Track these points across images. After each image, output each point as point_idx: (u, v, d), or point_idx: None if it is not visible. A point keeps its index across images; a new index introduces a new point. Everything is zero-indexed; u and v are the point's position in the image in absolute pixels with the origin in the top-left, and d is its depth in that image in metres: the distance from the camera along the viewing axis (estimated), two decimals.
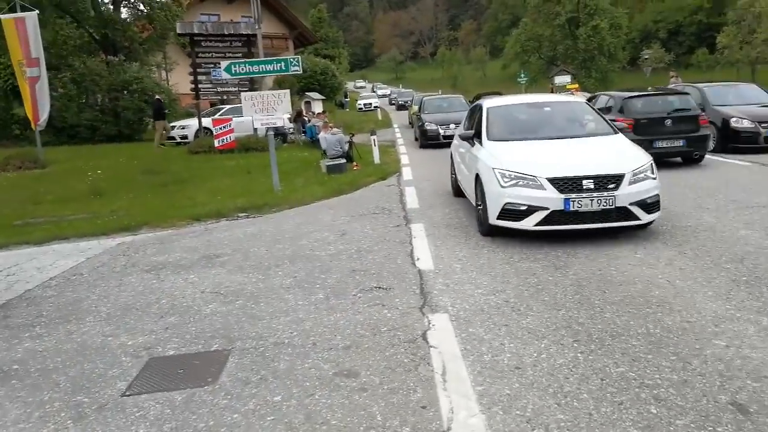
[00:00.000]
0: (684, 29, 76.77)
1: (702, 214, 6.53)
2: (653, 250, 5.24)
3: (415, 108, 21.12)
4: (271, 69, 10.85)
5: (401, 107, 41.17)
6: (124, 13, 28.52)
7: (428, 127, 16.42)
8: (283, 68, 10.90)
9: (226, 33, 17.82)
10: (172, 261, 6.04)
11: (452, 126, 15.55)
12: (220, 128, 15.22)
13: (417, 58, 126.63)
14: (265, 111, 10.64)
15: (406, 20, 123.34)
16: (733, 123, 11.37)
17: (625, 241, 5.56)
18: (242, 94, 11.26)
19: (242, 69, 10.79)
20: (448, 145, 15.16)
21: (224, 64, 10.86)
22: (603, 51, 50.32)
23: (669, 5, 77.65)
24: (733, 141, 11.38)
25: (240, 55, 17.38)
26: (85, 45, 27.54)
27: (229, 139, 15.33)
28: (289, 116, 21.16)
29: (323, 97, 29.62)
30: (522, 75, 43.82)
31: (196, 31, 17.60)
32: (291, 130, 20.18)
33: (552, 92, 38.65)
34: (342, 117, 32.12)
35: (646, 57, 37.95)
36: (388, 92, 69.11)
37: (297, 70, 10.96)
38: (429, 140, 16.30)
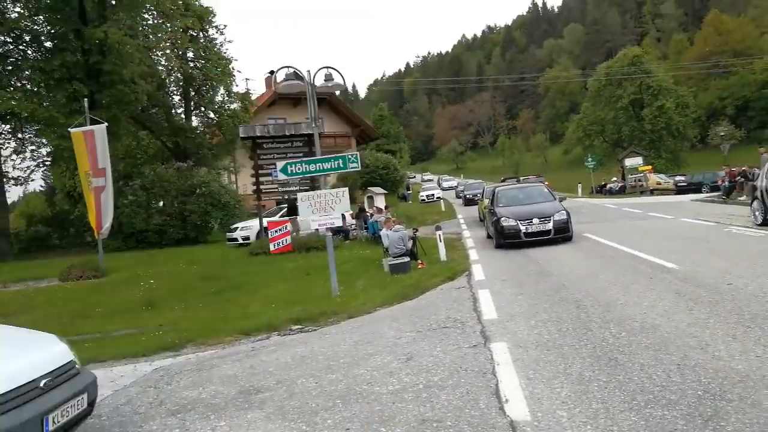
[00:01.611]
0: (752, 104, 74.05)
1: None
2: None
3: (487, 201, 17.85)
4: (329, 167, 10.29)
5: (470, 202, 33.22)
6: (195, 121, 29.93)
7: (506, 224, 13.35)
8: (341, 166, 10.32)
9: (287, 134, 17.84)
10: (204, 397, 5.06)
11: (535, 221, 13.19)
12: (276, 231, 14.68)
13: (476, 147, 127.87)
14: (323, 211, 9.97)
15: (463, 113, 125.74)
16: None
17: None
18: (299, 194, 10.67)
19: (299, 168, 10.28)
20: (530, 245, 13.04)
21: (280, 164, 10.41)
22: (671, 130, 48.68)
23: (734, 81, 75.49)
24: None
25: (301, 154, 17.27)
26: (158, 153, 28.87)
27: (285, 243, 14.75)
28: (352, 212, 20.71)
29: (385, 191, 29.38)
30: (589, 159, 42.53)
31: (258, 134, 17.73)
32: (353, 226, 19.62)
33: (623, 175, 37.14)
34: (405, 209, 31.71)
35: (722, 134, 35.94)
36: (455, 184, 60.93)
37: (355, 167, 10.39)
38: (507, 239, 13.30)
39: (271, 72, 41.83)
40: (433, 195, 42.25)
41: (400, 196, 41.89)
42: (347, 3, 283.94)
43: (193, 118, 29.21)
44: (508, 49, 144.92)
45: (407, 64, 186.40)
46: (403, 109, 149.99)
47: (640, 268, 9.08)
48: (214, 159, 29.09)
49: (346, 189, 10.45)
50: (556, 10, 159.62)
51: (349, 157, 10.39)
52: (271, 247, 15.22)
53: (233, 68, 27.91)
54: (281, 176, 10.60)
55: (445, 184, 63.13)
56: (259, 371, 5.72)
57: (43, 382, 3.73)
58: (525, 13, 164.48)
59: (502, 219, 13.52)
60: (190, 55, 27.45)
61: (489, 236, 15.41)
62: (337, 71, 10.74)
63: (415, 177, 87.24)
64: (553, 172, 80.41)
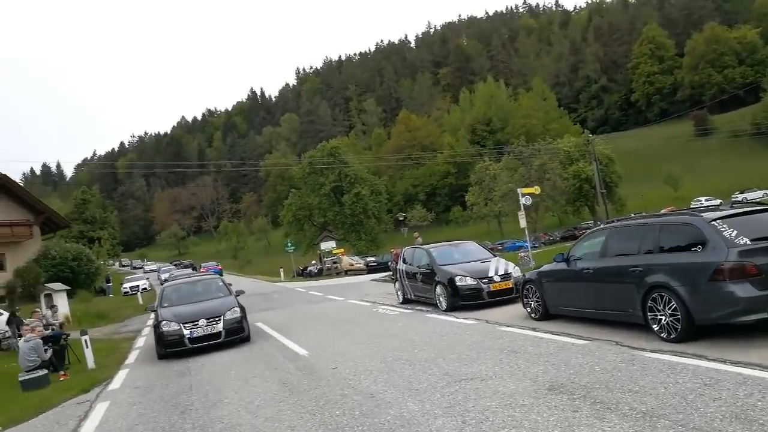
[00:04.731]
0: (439, 191, 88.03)
1: (407, 400, 5.84)
2: None
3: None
4: None
5: None
6: None
7: (166, 329, 10.94)
8: None
9: None
10: None
11: (202, 323, 10.93)
12: None
13: (201, 231, 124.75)
14: None
15: (185, 196, 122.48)
16: (458, 281, 11.74)
17: None
18: None
19: None
20: (199, 351, 10.71)
21: None
22: (368, 214, 54.39)
23: (423, 171, 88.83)
24: (461, 299, 11.68)
25: None
26: None
27: None
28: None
29: (68, 287, 26.06)
30: (289, 244, 44.73)
31: None
32: (6, 334, 16.70)
33: (320, 258, 39.79)
34: (99, 305, 28.64)
35: (401, 218, 41.57)
36: (166, 276, 49.30)
37: None
38: (169, 348, 10.95)
39: None
40: (137, 286, 39.07)
41: (98, 289, 37.84)
42: (52, 74, 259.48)
43: None
44: (228, 133, 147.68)
45: (121, 144, 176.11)
46: (117, 192, 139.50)
47: (275, 358, 9.39)
48: None
49: None
50: (273, 99, 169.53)
51: None
52: None
53: None
54: None
55: (164, 275, 54.59)
56: None
57: None
58: (244, 100, 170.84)
59: (163, 323, 11.10)
60: None
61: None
62: None
63: (143, 266, 76.88)
64: (276, 255, 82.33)
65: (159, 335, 11.15)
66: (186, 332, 10.93)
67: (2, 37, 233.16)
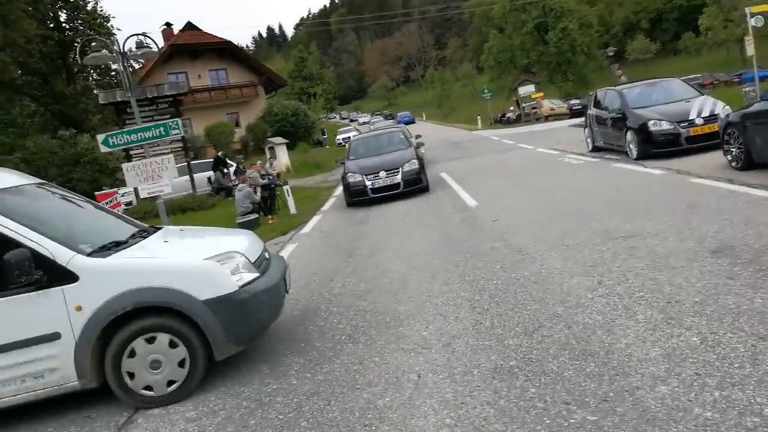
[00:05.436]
0: (666, 16, 75.83)
1: (551, 255, 5.67)
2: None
3: None
4: (150, 135, 10.31)
5: None
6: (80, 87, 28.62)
7: (351, 180, 12.04)
8: (163, 133, 10.35)
9: (150, 96, 17.48)
10: None
11: (382, 174, 11.86)
12: (106, 203, 14.33)
13: (409, 81, 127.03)
14: (151, 180, 10.09)
15: (392, 46, 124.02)
16: (651, 126, 10.47)
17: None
18: (123, 165, 10.74)
19: (120, 140, 10.27)
20: (381, 201, 11.73)
21: (101, 137, 10.38)
22: (576, 51, 49.45)
23: None
24: (654, 146, 10.47)
25: (168, 116, 17.08)
26: (48, 122, 27.71)
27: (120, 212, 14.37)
28: (238, 167, 20.80)
29: (286, 141, 29.21)
30: (485, 91, 43.28)
31: (119, 99, 17.30)
32: (235, 182, 19.67)
33: (518, 104, 37.94)
34: (315, 156, 31.83)
35: (610, 54, 36.93)
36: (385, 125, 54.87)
37: (177, 134, 10.53)
38: (355, 197, 12.04)
39: (167, 24, 40.22)
40: (349, 138, 42.22)
41: (316, 141, 41.72)
42: None
43: (77, 83, 27.97)
44: None
45: (332, 1, 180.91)
46: (331, 48, 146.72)
47: (445, 209, 9.68)
48: (106, 123, 28.16)
49: (171, 156, 10.58)
50: None
51: (170, 124, 10.42)
52: None
53: (112, 26, 26.65)
54: (104, 149, 10.57)
55: (373, 127, 59.48)
56: None
57: (266, 254, 4.84)
58: None
59: (348, 175, 12.23)
60: (63, 17, 26.03)
61: None
62: (152, 39, 10.74)
63: (357, 119, 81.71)
64: (480, 101, 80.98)
65: (346, 186, 12.41)
66: (368, 183, 11.94)
67: None
